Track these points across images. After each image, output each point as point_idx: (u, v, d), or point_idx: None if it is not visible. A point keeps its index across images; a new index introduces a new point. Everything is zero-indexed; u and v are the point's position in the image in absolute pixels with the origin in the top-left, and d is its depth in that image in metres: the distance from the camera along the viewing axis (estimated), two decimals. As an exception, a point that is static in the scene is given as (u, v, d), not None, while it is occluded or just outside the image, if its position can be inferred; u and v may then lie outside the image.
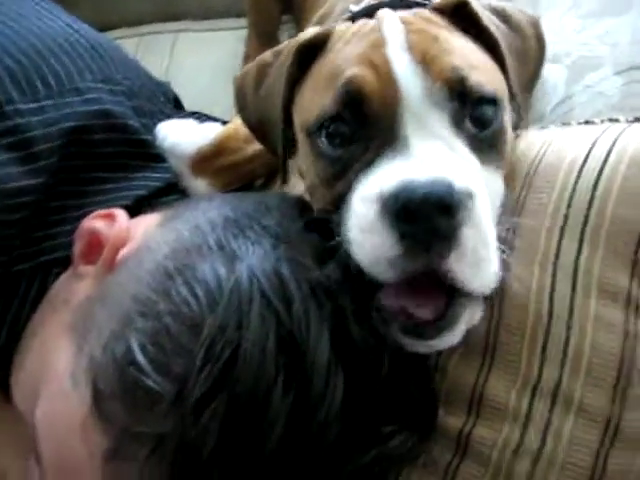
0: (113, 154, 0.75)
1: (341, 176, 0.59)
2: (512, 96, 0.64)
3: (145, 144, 0.78)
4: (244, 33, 1.23)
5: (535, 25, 0.70)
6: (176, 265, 0.56)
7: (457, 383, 0.62)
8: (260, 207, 0.62)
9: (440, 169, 0.52)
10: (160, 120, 0.83)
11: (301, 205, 0.66)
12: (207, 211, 0.63)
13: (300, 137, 0.65)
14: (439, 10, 0.64)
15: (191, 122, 0.86)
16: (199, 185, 0.82)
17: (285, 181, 0.72)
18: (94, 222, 0.66)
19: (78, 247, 0.66)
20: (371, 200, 0.54)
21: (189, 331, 0.52)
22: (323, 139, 0.60)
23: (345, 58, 0.61)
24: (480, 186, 0.55)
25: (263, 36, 1.19)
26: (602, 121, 0.66)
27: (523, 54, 0.66)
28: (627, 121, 0.65)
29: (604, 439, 0.56)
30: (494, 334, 0.60)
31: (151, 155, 0.79)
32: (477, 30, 0.63)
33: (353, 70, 0.58)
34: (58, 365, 0.59)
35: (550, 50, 0.71)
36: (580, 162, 0.61)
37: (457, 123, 0.57)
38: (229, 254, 0.56)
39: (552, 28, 0.75)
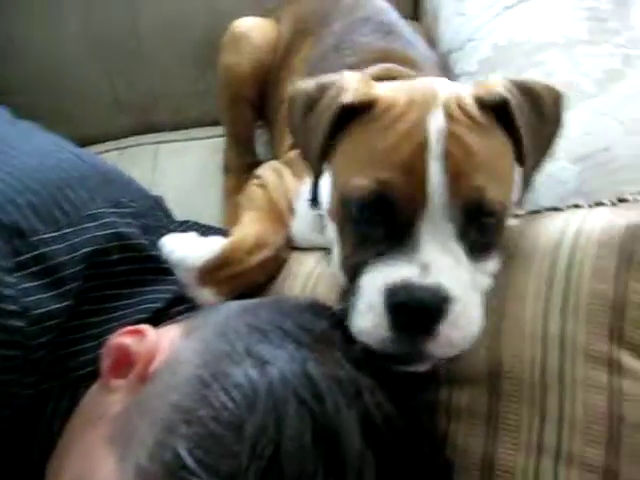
0: (127, 271, 0.81)
1: (360, 249, 0.70)
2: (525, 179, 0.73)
3: (154, 259, 0.84)
4: (218, 141, 1.33)
5: (556, 101, 0.74)
6: (210, 373, 0.61)
7: (467, 453, 0.68)
8: (278, 312, 0.68)
9: (436, 278, 0.64)
10: (163, 234, 0.89)
11: (312, 305, 0.73)
12: (229, 319, 0.68)
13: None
14: (479, 100, 0.71)
15: (193, 235, 0.92)
16: (205, 294, 0.87)
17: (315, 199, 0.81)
18: (123, 338, 0.70)
19: (107, 362, 0.70)
20: (377, 289, 0.65)
21: (232, 433, 0.57)
22: (354, 210, 0.70)
23: (386, 149, 0.68)
24: (467, 290, 0.66)
25: (241, 144, 1.28)
26: (567, 207, 0.75)
27: (540, 132, 0.73)
28: (588, 206, 0.74)
29: (607, 488, 0.63)
30: (495, 404, 0.67)
31: (160, 269, 0.85)
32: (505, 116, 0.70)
33: (390, 173, 0.67)
34: (100, 478, 0.62)
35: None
36: (553, 247, 0.69)
37: (464, 234, 0.67)
38: (258, 359, 0.61)
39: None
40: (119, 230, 0.80)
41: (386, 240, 0.68)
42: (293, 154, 1.02)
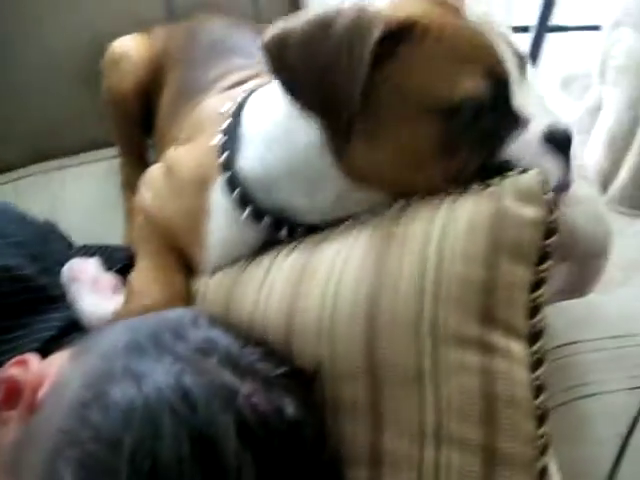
0: (16, 303, 0.81)
1: (476, 145, 0.75)
2: None
3: (44, 288, 0.85)
4: (115, 161, 1.32)
5: None
6: (91, 394, 0.62)
7: (355, 445, 0.70)
8: (158, 326, 0.69)
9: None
10: (57, 261, 0.90)
11: (193, 316, 0.74)
12: (111, 340, 0.69)
13: (410, 115, 0.75)
14: None
15: (106, 285, 0.91)
16: None
17: (347, 141, 0.77)
18: (9, 371, 0.71)
19: None
20: (536, 138, 0.75)
21: (111, 451, 0.58)
22: (464, 116, 0.73)
23: (467, 47, 0.74)
24: None
25: (134, 159, 1.29)
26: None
27: None
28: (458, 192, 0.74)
29: (487, 466, 0.64)
30: (376, 394, 0.69)
31: (51, 297, 0.85)
32: None
33: (493, 58, 0.74)
34: None
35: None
36: (424, 235, 0.70)
37: None
38: (135, 375, 0.62)
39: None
40: (3, 262, 0.80)
41: (501, 123, 0.76)
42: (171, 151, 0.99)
